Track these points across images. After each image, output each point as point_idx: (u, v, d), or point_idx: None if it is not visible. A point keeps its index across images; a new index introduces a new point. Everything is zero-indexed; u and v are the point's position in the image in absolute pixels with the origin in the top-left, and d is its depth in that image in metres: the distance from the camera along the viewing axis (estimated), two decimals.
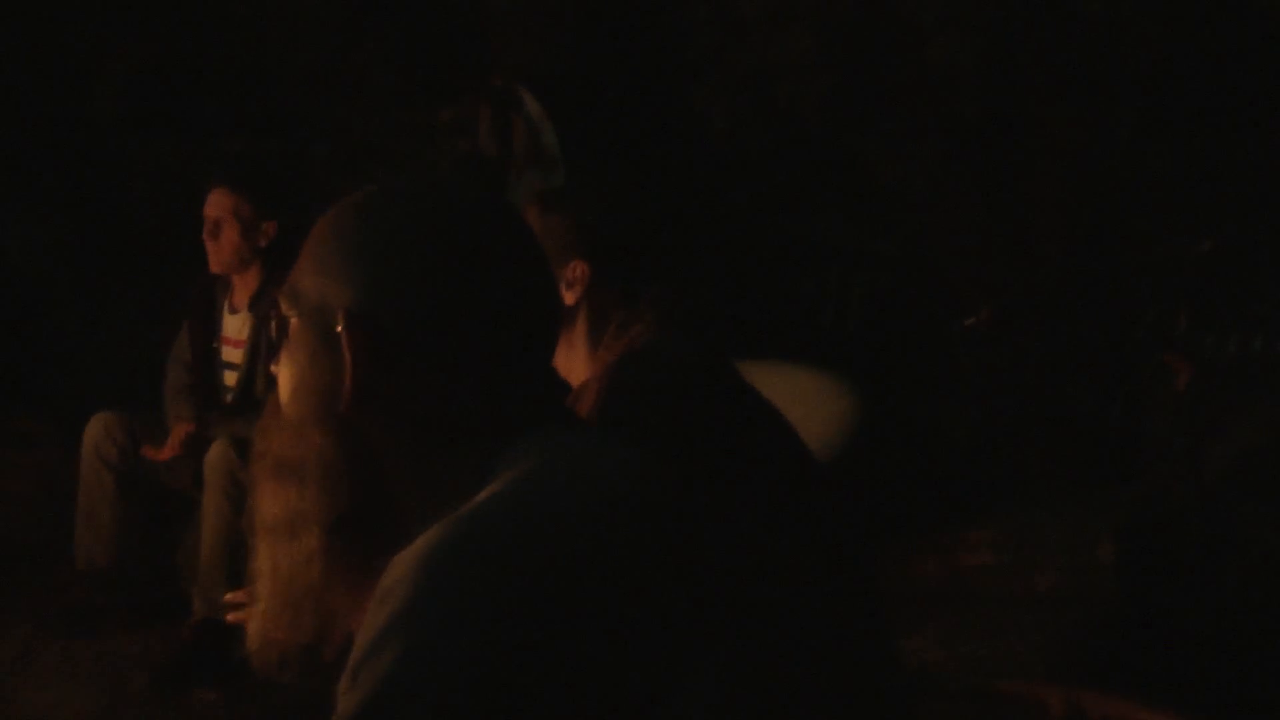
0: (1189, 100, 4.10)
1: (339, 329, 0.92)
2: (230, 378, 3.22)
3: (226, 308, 3.26)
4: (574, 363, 1.56)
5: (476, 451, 0.92)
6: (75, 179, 4.81)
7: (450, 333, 0.92)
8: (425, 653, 0.78)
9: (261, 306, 3.13)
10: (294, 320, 0.97)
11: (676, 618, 0.84)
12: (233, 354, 3.24)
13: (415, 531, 0.85)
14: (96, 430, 3.18)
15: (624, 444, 0.97)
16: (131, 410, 3.26)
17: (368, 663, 0.80)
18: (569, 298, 1.56)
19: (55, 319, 4.73)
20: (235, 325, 3.24)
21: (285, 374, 0.98)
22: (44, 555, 3.40)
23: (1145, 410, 3.72)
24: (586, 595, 0.81)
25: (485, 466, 0.90)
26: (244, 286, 3.21)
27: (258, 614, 1.00)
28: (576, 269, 1.56)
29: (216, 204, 3.15)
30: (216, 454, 2.99)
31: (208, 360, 3.25)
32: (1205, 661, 2.30)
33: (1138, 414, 3.82)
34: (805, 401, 3.30)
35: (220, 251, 3.15)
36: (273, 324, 0.99)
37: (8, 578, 3.37)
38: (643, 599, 0.83)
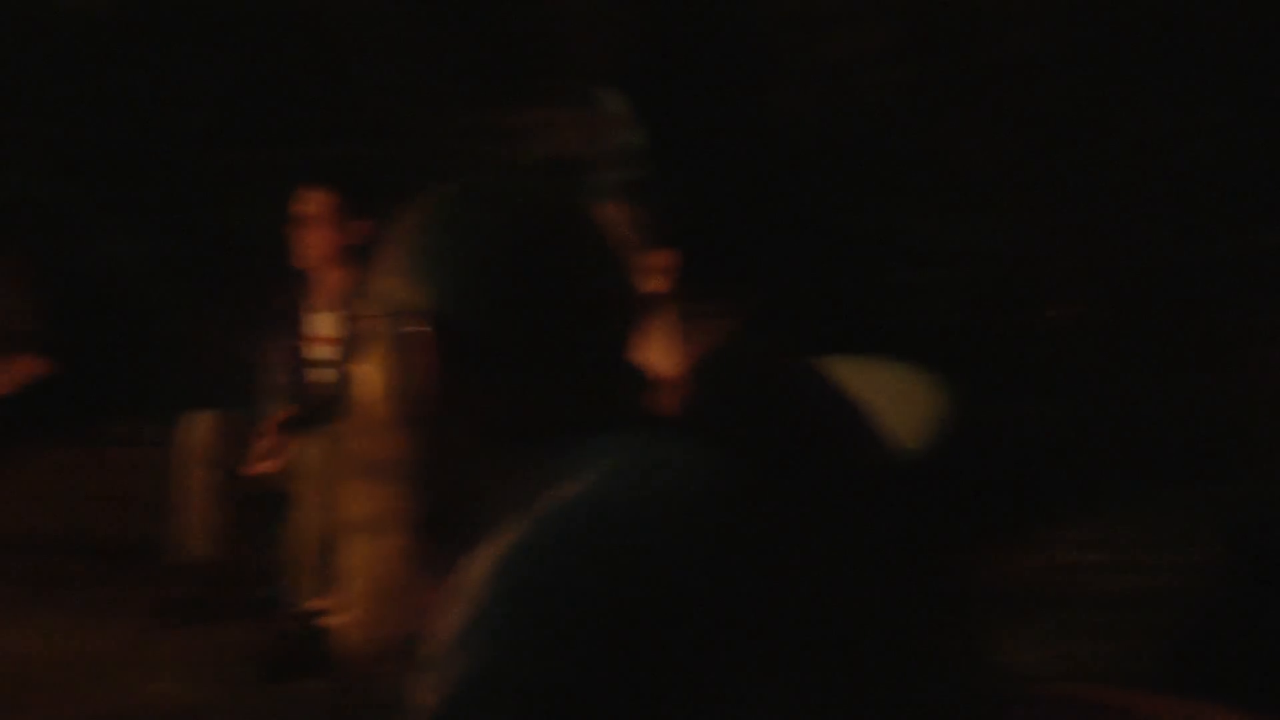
0: None
1: (420, 331, 0.94)
2: (321, 375, 3.29)
3: (316, 307, 3.32)
4: (659, 354, 1.56)
5: (555, 452, 0.92)
6: (173, 191, 4.95)
7: (528, 336, 0.93)
8: (505, 657, 0.79)
9: (352, 305, 3.19)
10: (377, 321, 0.98)
11: (751, 628, 0.82)
12: (323, 352, 3.30)
13: (493, 531, 0.86)
14: (193, 430, 3.26)
15: (704, 444, 0.96)
16: (227, 409, 3.34)
17: (445, 662, 0.80)
18: (655, 286, 1.56)
19: (155, 325, 4.88)
20: (325, 324, 3.30)
21: (369, 375, 1.00)
22: (151, 551, 3.50)
23: (1250, 404, 3.59)
24: (665, 604, 0.80)
25: (563, 467, 0.90)
26: (334, 285, 3.26)
27: (350, 610, 1.02)
28: (663, 258, 1.56)
29: (309, 202, 3.21)
30: (311, 451, 3.05)
31: (299, 359, 3.32)
32: None
33: (1243, 408, 3.69)
34: (898, 397, 3.25)
35: (311, 249, 3.21)
36: (358, 323, 1.01)
37: (119, 573, 3.50)
38: (718, 608, 0.82)
